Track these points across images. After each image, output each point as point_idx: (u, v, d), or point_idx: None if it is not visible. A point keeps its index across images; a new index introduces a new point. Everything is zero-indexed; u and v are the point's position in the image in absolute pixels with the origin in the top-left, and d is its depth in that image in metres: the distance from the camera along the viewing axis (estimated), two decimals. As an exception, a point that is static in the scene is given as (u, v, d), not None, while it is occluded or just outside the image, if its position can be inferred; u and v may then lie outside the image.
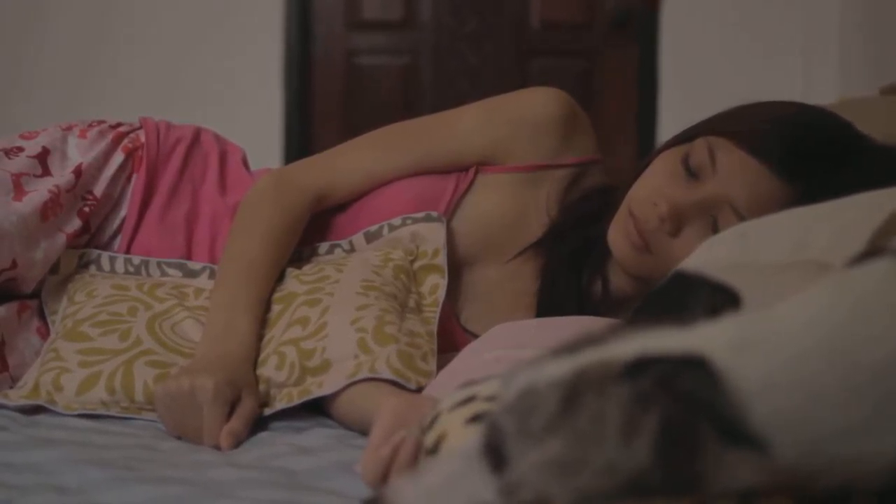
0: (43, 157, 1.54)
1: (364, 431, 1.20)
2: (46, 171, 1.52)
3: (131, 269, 1.57)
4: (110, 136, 1.61)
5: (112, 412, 1.33)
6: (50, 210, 1.48)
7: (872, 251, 0.69)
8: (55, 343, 1.41)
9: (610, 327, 0.66)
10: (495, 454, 0.63)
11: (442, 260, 1.45)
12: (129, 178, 1.60)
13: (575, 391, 0.60)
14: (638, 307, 0.82)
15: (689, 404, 0.56)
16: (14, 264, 1.45)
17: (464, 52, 4.38)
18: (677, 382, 0.56)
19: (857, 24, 3.62)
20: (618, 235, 1.38)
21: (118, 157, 1.59)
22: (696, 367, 0.57)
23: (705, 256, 0.93)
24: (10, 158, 1.52)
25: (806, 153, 1.28)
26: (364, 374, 1.26)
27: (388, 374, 1.25)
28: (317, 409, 1.32)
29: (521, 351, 1.20)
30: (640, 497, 0.56)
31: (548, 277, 1.48)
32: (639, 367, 0.58)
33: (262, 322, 1.38)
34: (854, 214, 0.85)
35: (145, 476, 1.07)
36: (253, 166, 1.73)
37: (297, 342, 1.32)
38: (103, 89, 4.19)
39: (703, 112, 1.43)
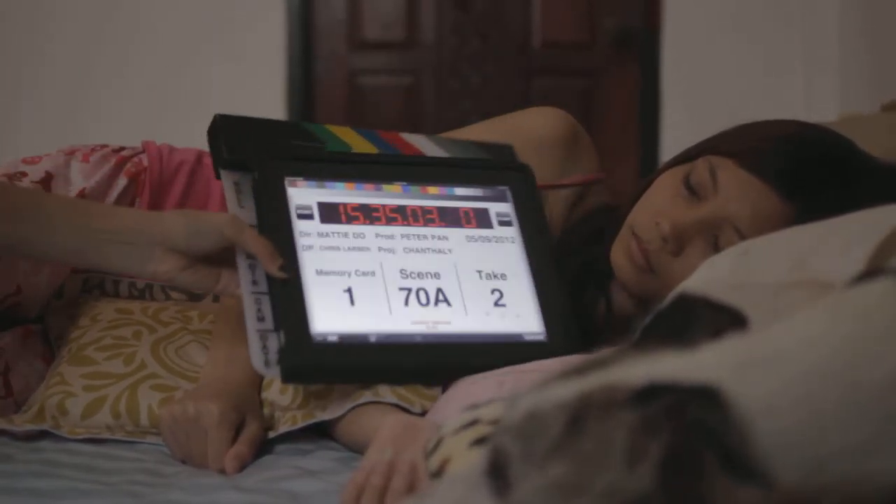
0: (46, 182, 1.54)
1: (369, 454, 1.20)
2: (50, 196, 1.52)
3: (135, 292, 1.57)
4: (113, 160, 1.61)
5: (117, 436, 1.33)
6: (54, 235, 1.48)
7: (872, 271, 0.69)
8: (60, 367, 1.41)
9: (616, 350, 0.67)
10: (499, 477, 0.63)
11: (446, 281, 1.45)
12: (132, 203, 1.60)
13: (580, 414, 0.60)
14: (643, 329, 0.82)
15: (694, 433, 0.56)
16: (19, 289, 1.46)
17: (466, 73, 4.38)
18: (686, 411, 0.56)
19: (857, 38, 3.62)
20: (620, 255, 1.38)
21: (121, 182, 1.60)
22: (705, 394, 0.57)
23: (707, 276, 0.93)
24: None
25: (807, 172, 1.28)
26: (368, 397, 1.26)
27: (391, 399, 1.25)
28: (321, 431, 1.32)
29: (524, 373, 1.20)
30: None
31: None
32: (649, 393, 0.58)
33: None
34: (854, 233, 0.86)
35: (149, 501, 1.07)
36: (256, 188, 1.73)
37: (301, 365, 1.32)
38: (105, 107, 4.20)
39: (704, 131, 1.43)
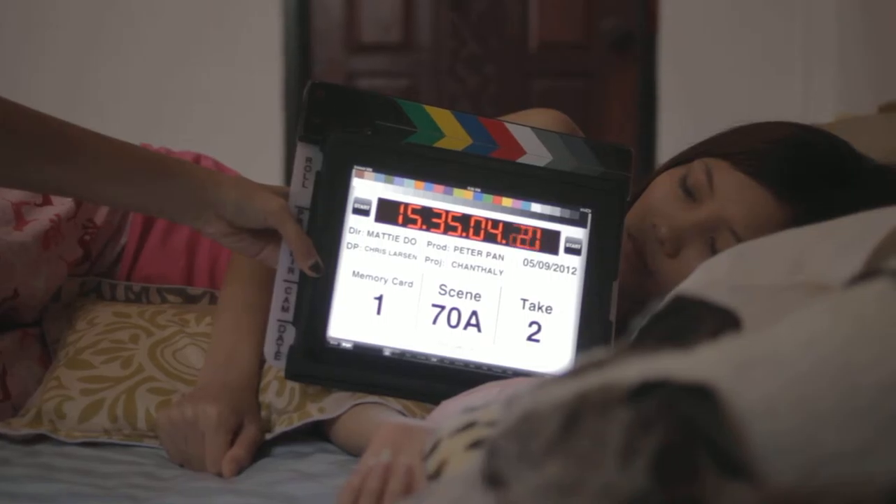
0: (43, 185, 1.54)
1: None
2: (47, 200, 1.52)
3: (132, 296, 1.57)
4: (111, 163, 1.61)
5: (114, 440, 1.33)
6: (51, 239, 1.48)
7: (870, 271, 0.69)
8: (57, 371, 1.41)
9: (613, 351, 0.67)
10: (495, 477, 0.63)
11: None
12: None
13: (576, 414, 0.60)
14: (641, 330, 0.82)
15: (687, 430, 0.56)
16: (16, 293, 1.45)
17: (463, 75, 4.39)
18: (679, 408, 0.56)
19: (856, 40, 3.62)
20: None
21: (119, 185, 1.59)
22: (699, 392, 0.57)
23: (704, 278, 0.93)
24: (10, 188, 1.52)
25: (803, 174, 1.29)
26: (371, 398, 1.26)
27: (394, 405, 1.25)
28: (319, 434, 1.32)
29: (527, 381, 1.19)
30: (638, 521, 0.56)
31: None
32: (643, 391, 0.58)
33: (264, 348, 1.38)
34: (851, 234, 0.86)
35: (148, 504, 1.07)
36: (254, 191, 1.72)
37: (298, 368, 1.32)
38: (102, 109, 4.20)
39: (702, 133, 1.43)
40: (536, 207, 1.31)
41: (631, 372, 0.61)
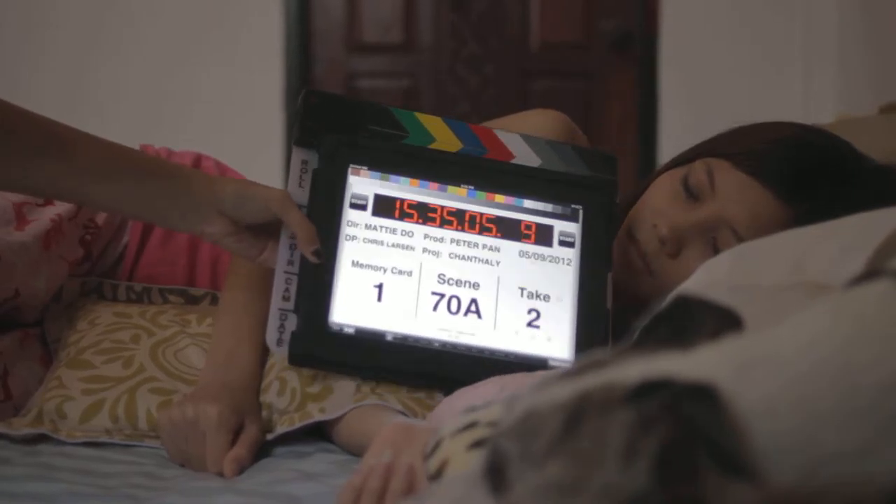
0: (44, 186, 1.54)
1: (367, 456, 1.20)
2: (48, 201, 1.52)
3: (133, 296, 1.57)
4: (112, 163, 1.61)
5: (115, 440, 1.33)
6: (52, 239, 1.48)
7: (872, 272, 0.69)
8: (58, 371, 1.41)
9: (615, 351, 0.67)
10: (497, 478, 0.63)
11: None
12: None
13: (577, 414, 0.60)
14: (642, 330, 0.82)
15: (688, 430, 0.56)
16: (17, 293, 1.45)
17: (464, 75, 4.39)
18: (680, 407, 0.57)
19: (856, 40, 3.63)
20: (618, 257, 1.38)
21: (120, 185, 1.59)
22: (700, 392, 0.57)
23: (704, 278, 0.93)
24: (12, 187, 1.52)
25: (805, 174, 1.29)
26: (372, 399, 1.26)
27: (396, 406, 1.25)
28: (320, 434, 1.32)
29: (528, 378, 1.20)
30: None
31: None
32: (644, 391, 0.58)
33: (266, 348, 1.38)
34: (852, 235, 0.86)
35: (149, 504, 1.07)
36: (254, 191, 1.73)
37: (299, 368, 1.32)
38: (103, 110, 4.21)
39: (703, 132, 1.43)
40: (529, 203, 1.34)
41: (632, 372, 0.61)
